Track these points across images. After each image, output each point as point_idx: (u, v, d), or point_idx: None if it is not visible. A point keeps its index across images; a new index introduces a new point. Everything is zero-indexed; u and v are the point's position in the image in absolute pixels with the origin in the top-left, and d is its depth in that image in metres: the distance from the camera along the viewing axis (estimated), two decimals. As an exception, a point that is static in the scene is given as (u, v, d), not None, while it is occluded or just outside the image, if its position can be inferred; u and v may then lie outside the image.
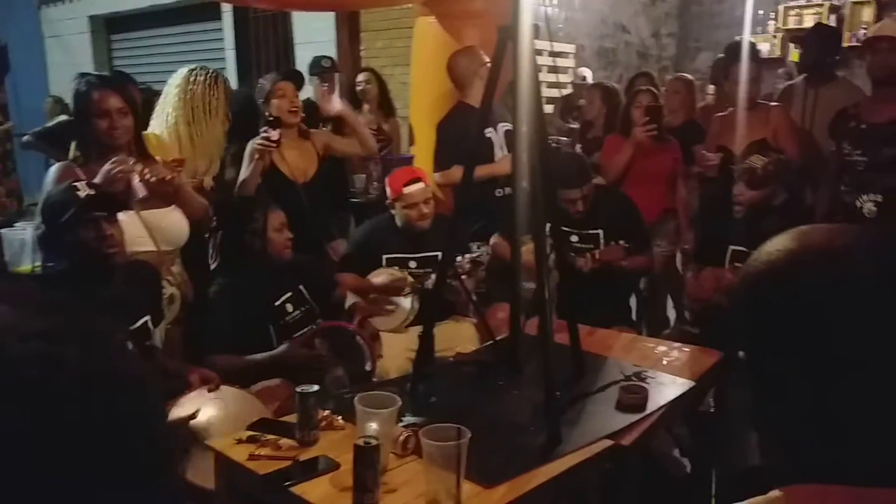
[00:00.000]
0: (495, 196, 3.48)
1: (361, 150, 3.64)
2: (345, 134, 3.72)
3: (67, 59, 7.86)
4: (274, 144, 3.08)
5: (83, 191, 2.20)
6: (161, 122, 3.16)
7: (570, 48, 6.30)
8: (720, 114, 3.77)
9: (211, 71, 3.30)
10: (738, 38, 6.51)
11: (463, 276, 2.76)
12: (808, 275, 0.70)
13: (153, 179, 2.57)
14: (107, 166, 2.46)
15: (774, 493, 0.70)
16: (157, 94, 3.57)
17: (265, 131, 3.10)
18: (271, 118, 3.17)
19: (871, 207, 3.24)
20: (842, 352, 0.67)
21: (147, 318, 2.38)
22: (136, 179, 2.49)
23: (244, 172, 3.18)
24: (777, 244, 0.73)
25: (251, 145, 3.18)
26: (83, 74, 3.02)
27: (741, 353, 0.76)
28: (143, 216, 2.59)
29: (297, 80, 3.53)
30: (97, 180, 2.42)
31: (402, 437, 1.79)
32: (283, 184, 3.30)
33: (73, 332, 0.50)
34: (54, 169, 2.67)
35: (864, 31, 5.95)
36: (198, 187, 3.03)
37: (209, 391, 2.25)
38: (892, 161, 3.14)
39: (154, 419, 0.53)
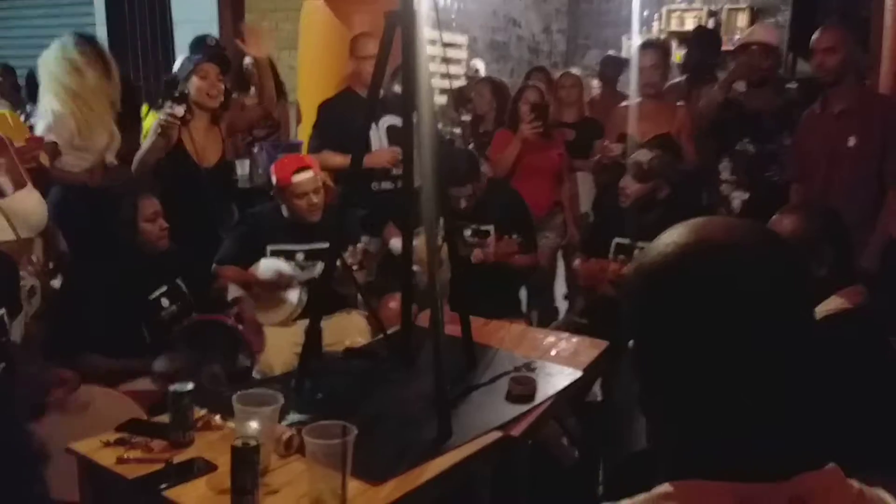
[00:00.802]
0: (372, 189, 3.47)
1: (261, 108, 3.62)
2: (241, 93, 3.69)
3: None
4: (178, 121, 2.98)
5: None
6: (49, 101, 3.02)
7: (462, 39, 6.32)
8: (625, 104, 3.88)
9: (90, 39, 3.23)
10: (625, 37, 6.81)
11: (354, 268, 2.68)
12: (700, 268, 0.71)
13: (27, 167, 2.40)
14: None
15: (664, 486, 0.70)
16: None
17: (170, 107, 3.02)
18: (177, 94, 3.11)
19: (738, 203, 3.47)
20: (729, 345, 0.68)
21: (2, 311, 2.17)
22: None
23: (144, 147, 3.11)
24: (673, 236, 0.74)
25: (155, 121, 3.13)
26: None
27: (630, 342, 0.76)
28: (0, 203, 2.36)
29: (223, 64, 3.44)
30: None
31: (284, 437, 1.72)
32: (187, 164, 3.24)
33: None
34: None
35: (738, 35, 6.30)
36: (100, 164, 2.94)
37: (65, 394, 2.09)
38: (779, 148, 3.35)
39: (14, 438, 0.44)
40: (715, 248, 0.71)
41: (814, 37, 3.13)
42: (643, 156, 3.05)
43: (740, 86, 3.60)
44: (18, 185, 2.46)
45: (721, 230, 0.73)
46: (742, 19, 6.80)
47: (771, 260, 0.71)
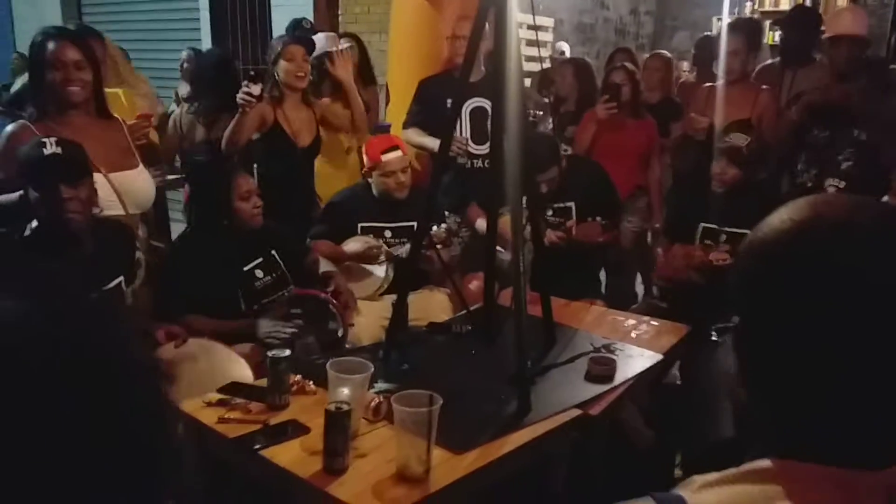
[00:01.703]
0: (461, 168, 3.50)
1: (350, 127, 3.66)
2: (338, 105, 3.72)
3: (35, 13, 7.61)
4: (254, 99, 3.09)
5: (49, 148, 2.14)
6: None
7: (549, 22, 6.26)
8: (708, 84, 3.79)
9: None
10: (716, 18, 6.57)
11: (438, 246, 2.76)
12: (816, 245, 0.68)
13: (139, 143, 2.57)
14: None
15: (762, 462, 0.69)
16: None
17: (246, 85, 3.11)
18: (253, 73, 3.20)
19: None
20: (841, 327, 0.65)
21: (121, 278, 2.34)
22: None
23: (230, 126, 3.22)
24: (789, 212, 0.71)
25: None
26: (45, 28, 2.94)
27: (735, 320, 0.75)
28: (112, 178, 2.53)
29: (308, 46, 3.54)
30: None
31: (373, 403, 1.80)
32: (284, 143, 3.37)
33: (70, 310, 0.46)
34: (9, 129, 2.55)
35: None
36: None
37: (176, 346, 2.23)
38: (853, 142, 3.21)
39: (163, 412, 0.49)
40: (833, 225, 0.68)
41: None
42: (740, 140, 2.97)
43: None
44: (132, 165, 2.64)
45: (841, 208, 0.70)
46: (844, -2, 6.44)
47: (891, 240, 0.67)
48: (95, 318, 0.48)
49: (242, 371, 2.20)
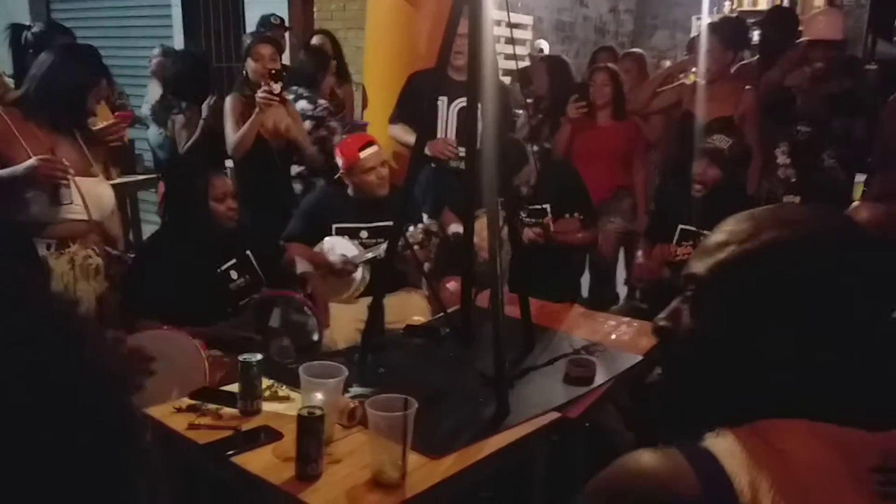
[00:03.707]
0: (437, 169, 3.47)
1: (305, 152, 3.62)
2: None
3: (3, 10, 7.46)
4: (276, 98, 3.07)
5: None
6: None
7: (527, 20, 6.25)
8: (692, 83, 3.80)
9: None
10: (695, 17, 6.61)
11: (415, 247, 2.72)
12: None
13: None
14: (33, 161, 2.31)
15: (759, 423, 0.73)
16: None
17: (266, 84, 3.07)
18: (273, 72, 3.21)
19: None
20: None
21: None
22: (64, 186, 2.38)
23: (239, 129, 3.25)
24: (754, 227, 0.77)
25: (230, 101, 3.30)
26: (16, 25, 2.88)
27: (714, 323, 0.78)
28: (79, 183, 2.48)
29: (277, 45, 3.52)
30: (18, 172, 2.30)
31: (348, 408, 1.77)
32: (260, 144, 3.35)
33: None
34: None
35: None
36: None
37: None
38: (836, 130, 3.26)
39: (130, 423, 0.48)
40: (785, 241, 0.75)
41: None
42: (722, 142, 2.97)
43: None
44: (92, 173, 2.57)
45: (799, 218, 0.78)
46: (820, -1, 6.50)
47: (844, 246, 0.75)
48: (58, 331, 0.46)
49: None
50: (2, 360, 0.41)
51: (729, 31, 3.75)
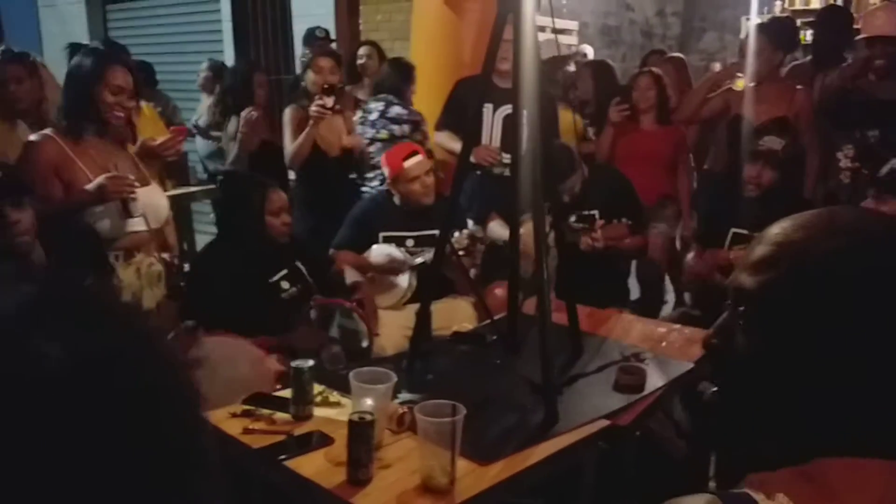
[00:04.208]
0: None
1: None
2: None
3: (62, 29, 7.75)
4: (329, 111, 3.19)
5: None
6: None
7: (573, 25, 6.22)
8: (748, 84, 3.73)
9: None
10: (745, 18, 6.49)
11: (461, 254, 2.73)
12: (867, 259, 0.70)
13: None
14: (101, 179, 2.40)
15: (787, 470, 0.69)
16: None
17: (320, 98, 3.27)
18: (326, 86, 3.35)
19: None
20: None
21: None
22: (132, 200, 2.46)
23: (295, 141, 3.40)
24: (814, 230, 0.73)
25: (288, 113, 3.43)
26: (74, 45, 3.00)
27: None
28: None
29: (337, 58, 3.69)
30: (89, 193, 2.38)
31: (397, 414, 1.78)
32: (314, 154, 3.47)
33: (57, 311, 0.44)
34: (32, 137, 2.58)
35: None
36: None
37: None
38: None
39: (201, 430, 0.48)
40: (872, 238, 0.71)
41: None
42: (776, 143, 2.91)
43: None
44: (146, 182, 2.66)
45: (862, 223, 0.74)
46: (876, -5, 6.31)
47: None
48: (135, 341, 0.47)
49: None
50: (79, 380, 0.41)
51: (778, 31, 3.67)
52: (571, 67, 4.83)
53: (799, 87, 3.58)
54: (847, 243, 0.70)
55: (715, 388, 0.78)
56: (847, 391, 0.67)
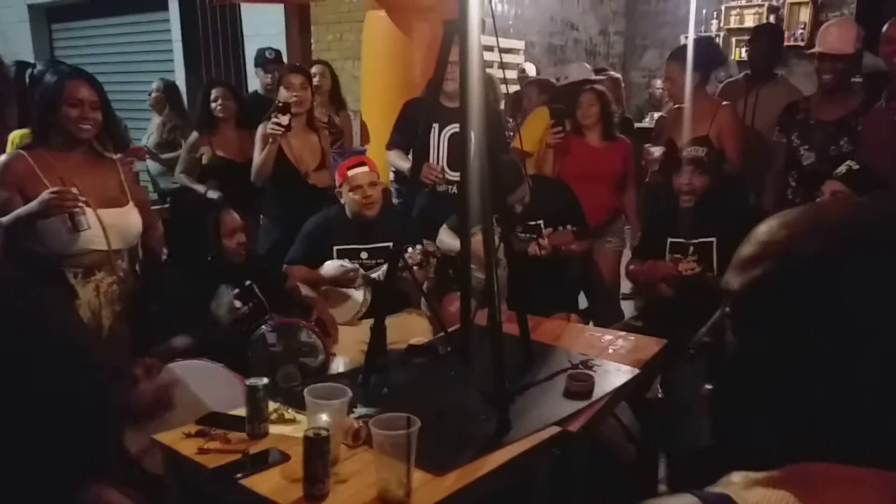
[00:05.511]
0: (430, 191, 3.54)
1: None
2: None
3: (6, 48, 7.59)
4: (282, 129, 3.31)
5: None
6: None
7: (519, 44, 6.36)
8: (675, 106, 3.83)
9: None
10: (683, 36, 6.71)
11: (414, 268, 2.77)
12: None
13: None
14: (44, 194, 2.39)
15: (773, 472, 0.67)
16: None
17: (276, 116, 3.33)
18: (280, 104, 3.40)
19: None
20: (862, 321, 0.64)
21: None
22: (78, 214, 2.45)
23: (258, 158, 3.45)
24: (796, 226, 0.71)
25: (260, 129, 3.46)
26: (21, 63, 2.97)
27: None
28: (101, 214, 2.55)
29: (307, 75, 3.73)
30: (33, 207, 2.38)
31: (353, 428, 1.80)
32: (287, 170, 3.54)
33: None
34: (2, 157, 2.60)
35: (801, 30, 6.15)
36: None
37: (154, 375, 2.21)
38: (837, 158, 3.22)
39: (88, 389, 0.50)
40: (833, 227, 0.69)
41: (884, 29, 3.07)
42: (698, 151, 3.03)
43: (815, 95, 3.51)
44: (121, 203, 2.65)
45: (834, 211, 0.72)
46: (805, 14, 6.61)
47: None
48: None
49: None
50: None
51: (695, 53, 3.67)
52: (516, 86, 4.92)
53: (724, 103, 3.71)
54: (831, 240, 0.68)
55: (709, 387, 0.76)
56: (835, 391, 0.65)
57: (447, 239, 3.22)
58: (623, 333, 2.64)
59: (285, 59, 4.90)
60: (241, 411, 1.91)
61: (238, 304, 2.68)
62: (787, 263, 0.69)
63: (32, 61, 4.36)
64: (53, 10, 7.59)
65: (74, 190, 2.45)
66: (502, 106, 4.94)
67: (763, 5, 6.89)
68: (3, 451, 0.44)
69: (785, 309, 0.68)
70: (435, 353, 2.39)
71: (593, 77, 4.63)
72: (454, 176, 3.50)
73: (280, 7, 5.42)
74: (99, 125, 2.57)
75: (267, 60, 4.50)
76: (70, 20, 7.49)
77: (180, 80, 6.05)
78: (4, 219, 2.39)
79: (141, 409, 2.07)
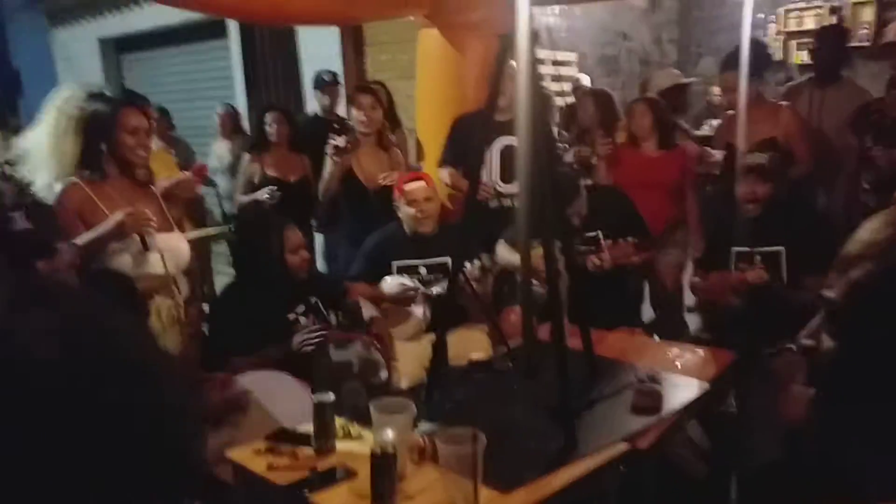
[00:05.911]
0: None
1: None
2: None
3: (79, 81, 7.94)
4: (341, 150, 3.51)
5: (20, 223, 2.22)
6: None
7: (572, 56, 6.32)
8: (730, 112, 3.76)
9: None
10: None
11: (473, 283, 2.77)
12: None
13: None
14: (118, 215, 2.46)
15: None
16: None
17: (333, 138, 3.54)
18: (337, 126, 3.65)
19: None
20: None
21: None
22: (149, 234, 2.54)
23: (324, 178, 3.68)
24: None
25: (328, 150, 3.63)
26: (93, 94, 3.09)
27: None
28: (157, 238, 2.62)
29: (375, 95, 3.87)
30: (108, 227, 2.46)
31: (418, 444, 1.80)
32: (356, 188, 3.68)
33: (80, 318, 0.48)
34: (60, 187, 2.63)
35: (865, 30, 5.95)
36: None
37: (226, 396, 2.25)
38: None
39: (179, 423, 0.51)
40: None
41: None
42: (759, 158, 2.95)
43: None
44: (168, 228, 2.72)
45: None
46: (868, 13, 6.38)
47: None
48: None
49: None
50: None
51: (748, 60, 3.64)
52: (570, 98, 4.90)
53: (786, 104, 3.61)
54: None
55: (812, 391, 0.72)
56: None
57: (505, 253, 3.21)
58: (689, 346, 2.57)
59: (341, 81, 4.99)
60: (309, 427, 1.93)
61: (304, 321, 2.73)
62: (888, 263, 0.67)
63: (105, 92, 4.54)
64: (121, 41, 7.92)
65: (147, 211, 2.54)
66: (557, 118, 4.92)
67: (824, 6, 6.68)
68: (89, 471, 0.45)
69: (885, 308, 0.63)
70: (496, 368, 2.38)
71: (683, 80, 4.63)
72: (507, 189, 3.49)
73: (335, 29, 5.53)
74: (150, 151, 2.65)
75: (325, 83, 4.59)
76: (137, 51, 7.80)
77: (241, 103, 6.22)
78: (79, 239, 2.46)
79: (213, 416, 2.11)
